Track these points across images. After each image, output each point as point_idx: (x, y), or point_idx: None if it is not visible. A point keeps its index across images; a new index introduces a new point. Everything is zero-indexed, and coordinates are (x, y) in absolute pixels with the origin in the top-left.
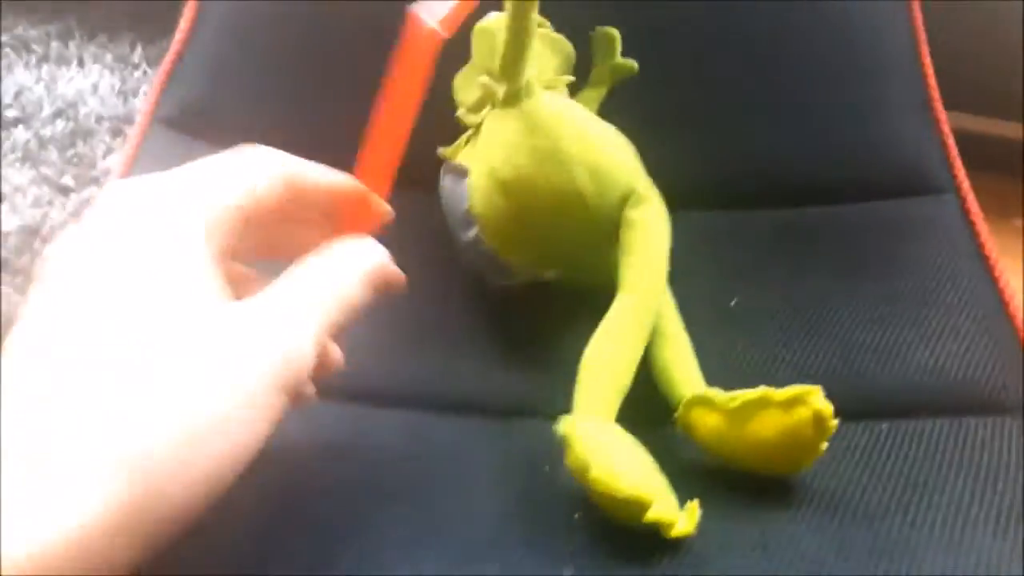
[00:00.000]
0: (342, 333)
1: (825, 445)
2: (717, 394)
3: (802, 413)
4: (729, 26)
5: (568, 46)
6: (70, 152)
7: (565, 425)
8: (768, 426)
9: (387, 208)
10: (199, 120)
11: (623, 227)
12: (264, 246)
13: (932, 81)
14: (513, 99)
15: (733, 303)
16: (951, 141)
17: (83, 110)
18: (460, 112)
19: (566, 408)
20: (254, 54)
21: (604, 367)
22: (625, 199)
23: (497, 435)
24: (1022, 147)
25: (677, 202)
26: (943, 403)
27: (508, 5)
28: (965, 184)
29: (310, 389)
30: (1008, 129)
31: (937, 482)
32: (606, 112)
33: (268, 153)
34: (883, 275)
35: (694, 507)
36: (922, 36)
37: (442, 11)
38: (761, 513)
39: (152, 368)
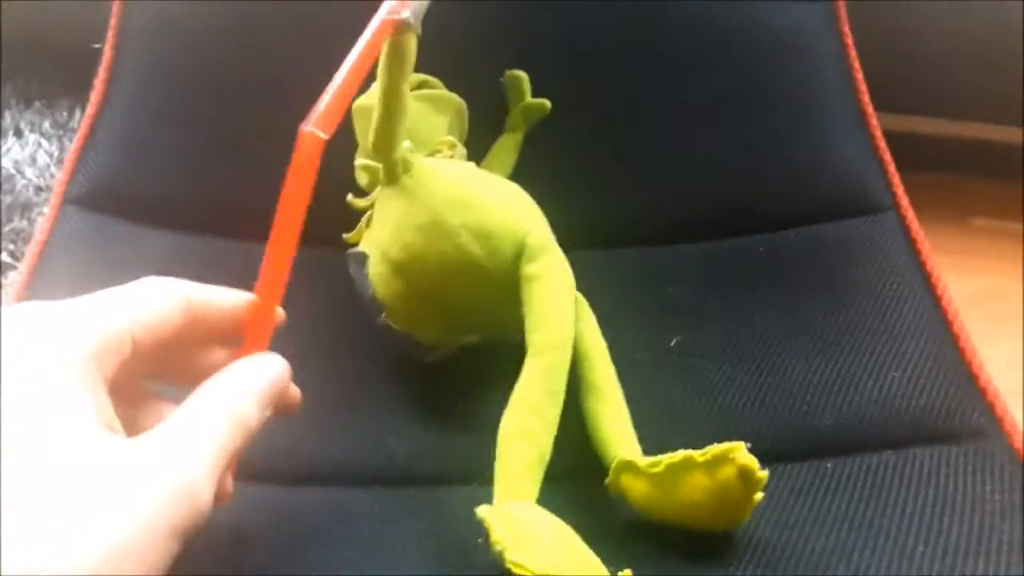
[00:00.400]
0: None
1: (760, 496)
2: (641, 460)
3: (727, 472)
4: (658, 58)
5: (457, 102)
6: (8, 227)
7: (483, 512)
8: (696, 488)
9: (281, 315)
10: (112, 198)
11: (522, 283)
12: (168, 370)
13: (865, 96)
14: (392, 176)
15: (673, 343)
16: (888, 156)
17: (20, 182)
18: (348, 198)
19: None
20: (166, 128)
21: (520, 441)
22: (518, 255)
23: (429, 506)
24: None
25: (611, 239)
26: (888, 436)
27: (379, 79)
28: (904, 200)
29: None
30: (955, 128)
31: (882, 523)
32: (530, 156)
33: (167, 281)
34: (826, 304)
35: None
36: (853, 52)
37: (317, 112)
38: (701, 571)
39: (25, 512)
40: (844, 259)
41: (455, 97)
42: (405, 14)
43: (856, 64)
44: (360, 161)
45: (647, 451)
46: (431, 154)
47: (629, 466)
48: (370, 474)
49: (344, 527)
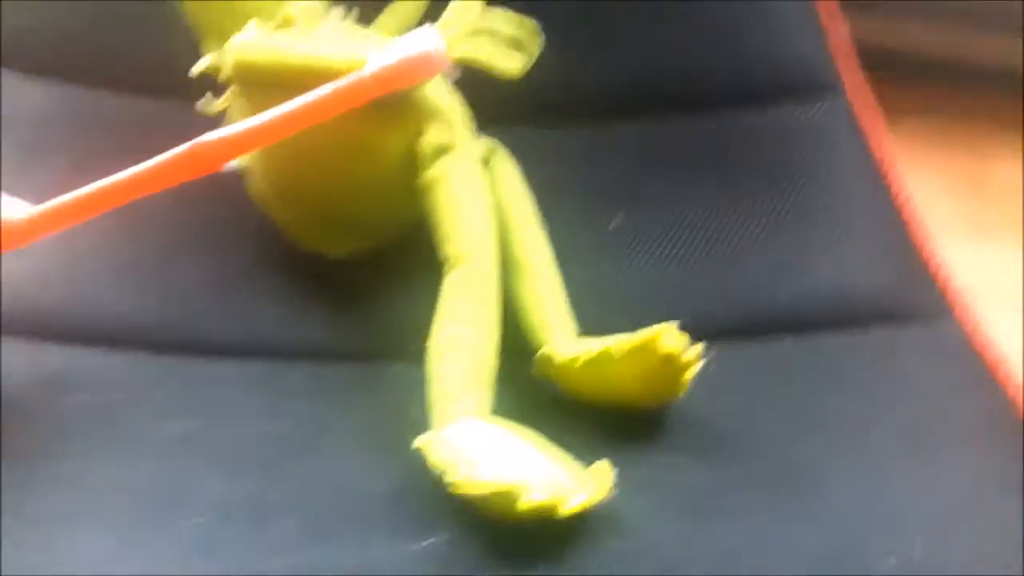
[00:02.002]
0: None
1: (693, 373)
2: (559, 355)
3: (650, 360)
4: None
5: None
6: None
7: (420, 441)
8: (621, 376)
9: None
10: None
11: (424, 192)
12: None
13: None
14: (241, 80)
15: (612, 225)
16: (839, 40)
17: None
18: (200, 104)
19: None
20: None
21: (448, 355)
22: (412, 156)
23: (359, 382)
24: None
25: (546, 118)
26: (846, 315)
27: None
28: (854, 85)
29: None
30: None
31: (840, 402)
32: None
33: None
34: (773, 187)
35: (605, 469)
36: None
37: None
38: (655, 456)
39: None
40: (793, 141)
41: None
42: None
43: None
44: (199, 66)
45: (591, 335)
46: (284, 26)
47: (548, 360)
48: (292, 346)
49: (264, 402)
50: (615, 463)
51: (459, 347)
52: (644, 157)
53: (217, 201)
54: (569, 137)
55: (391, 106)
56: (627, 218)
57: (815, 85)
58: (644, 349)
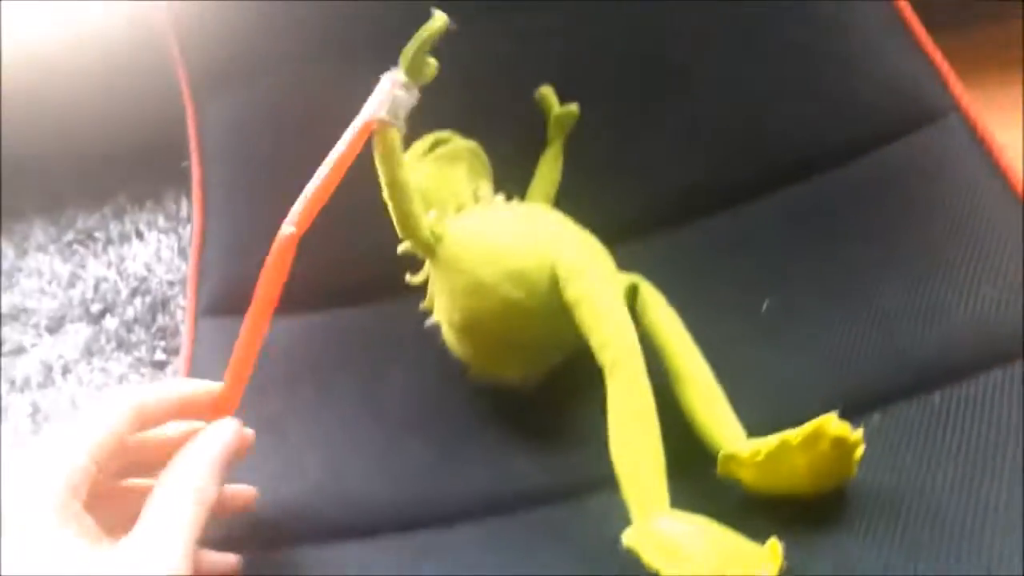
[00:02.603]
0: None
1: (860, 452)
2: (742, 450)
3: (822, 446)
4: (676, 18)
5: (467, 147)
6: (154, 327)
7: (628, 538)
8: (798, 465)
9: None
10: (237, 300)
11: (569, 308)
12: (135, 465)
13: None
14: (429, 252)
15: (764, 308)
16: (938, 56)
17: (154, 281)
18: (407, 277)
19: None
20: (266, 223)
21: (633, 456)
22: (555, 283)
23: (567, 520)
24: None
25: (671, 218)
26: (990, 356)
27: (379, 174)
28: (965, 99)
29: None
30: None
31: (998, 450)
32: (570, 155)
33: (117, 396)
34: (908, 229)
35: (775, 546)
36: None
37: (295, 211)
38: (826, 536)
39: None
40: (919, 176)
41: (464, 143)
42: (383, 114)
43: None
44: (401, 247)
45: (758, 424)
46: (458, 209)
47: (732, 458)
48: (506, 502)
49: (496, 554)
50: (799, 554)
51: (638, 447)
52: (781, 229)
53: (418, 369)
54: (697, 231)
55: (530, 235)
56: (776, 299)
57: (930, 107)
58: (815, 436)
